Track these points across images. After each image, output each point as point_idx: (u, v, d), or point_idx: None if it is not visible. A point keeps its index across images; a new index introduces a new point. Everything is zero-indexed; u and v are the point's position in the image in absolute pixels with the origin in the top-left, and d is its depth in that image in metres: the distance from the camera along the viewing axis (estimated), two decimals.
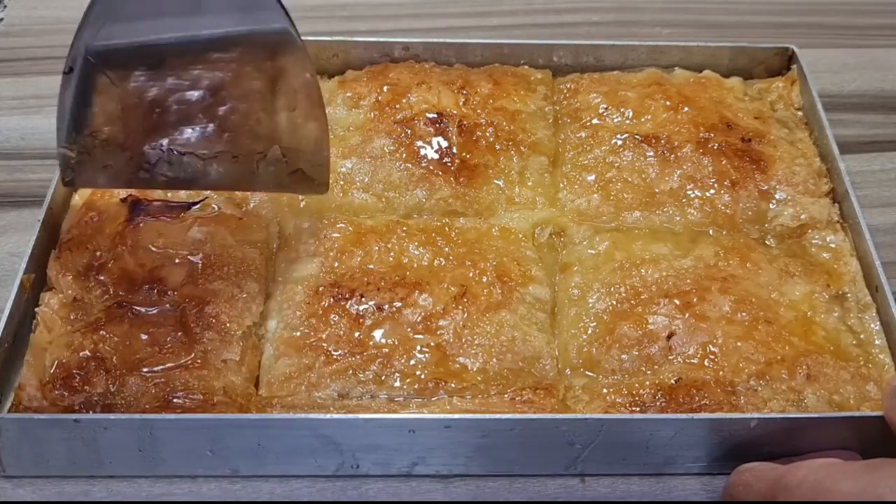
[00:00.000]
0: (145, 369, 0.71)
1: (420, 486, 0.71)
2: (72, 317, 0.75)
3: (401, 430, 0.68)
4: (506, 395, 0.72)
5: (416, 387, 0.72)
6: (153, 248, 0.78)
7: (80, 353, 0.71)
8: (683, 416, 0.68)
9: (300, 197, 0.84)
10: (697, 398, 0.71)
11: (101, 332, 0.72)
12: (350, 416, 0.68)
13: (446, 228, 0.82)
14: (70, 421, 0.67)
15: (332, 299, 0.76)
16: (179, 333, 0.73)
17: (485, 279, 0.78)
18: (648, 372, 0.73)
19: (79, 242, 0.79)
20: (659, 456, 0.70)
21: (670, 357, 0.73)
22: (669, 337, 0.74)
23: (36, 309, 0.75)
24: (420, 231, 0.82)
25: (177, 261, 0.78)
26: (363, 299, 0.76)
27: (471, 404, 0.71)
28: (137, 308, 0.74)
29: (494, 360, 0.74)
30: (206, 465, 0.69)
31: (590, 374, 0.73)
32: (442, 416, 0.68)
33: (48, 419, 0.67)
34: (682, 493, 0.71)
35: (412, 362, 0.73)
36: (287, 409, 0.71)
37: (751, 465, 0.67)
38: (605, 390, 0.72)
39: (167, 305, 0.75)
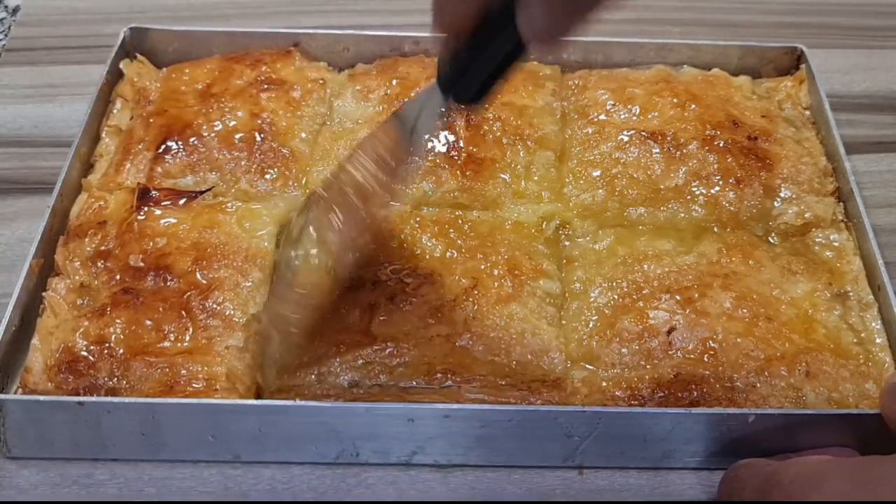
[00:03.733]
0: (149, 355, 0.72)
1: (419, 475, 0.71)
2: (78, 302, 0.76)
3: (400, 419, 0.68)
4: (513, 387, 0.72)
5: (425, 377, 0.72)
6: (160, 236, 0.79)
7: (86, 338, 0.72)
8: (681, 410, 0.69)
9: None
10: (696, 393, 0.71)
11: (107, 318, 0.73)
12: (350, 404, 0.69)
13: (459, 221, 0.82)
14: (74, 403, 0.67)
15: (343, 289, 0.76)
16: (184, 320, 0.74)
17: (496, 272, 0.78)
18: (648, 366, 0.73)
19: (87, 229, 0.80)
20: (657, 450, 0.70)
21: (670, 352, 0.73)
22: (670, 332, 0.74)
23: (43, 294, 0.76)
24: (433, 223, 0.82)
25: (183, 248, 0.78)
26: (375, 289, 0.77)
27: (479, 395, 0.72)
28: (143, 294, 0.75)
29: (503, 352, 0.74)
30: (207, 450, 0.70)
31: (590, 367, 0.74)
32: (441, 405, 0.69)
33: (52, 401, 0.68)
34: (680, 488, 0.71)
35: (422, 353, 0.73)
36: (290, 395, 0.71)
37: (746, 461, 0.67)
38: (604, 383, 0.72)
39: (172, 292, 0.75)
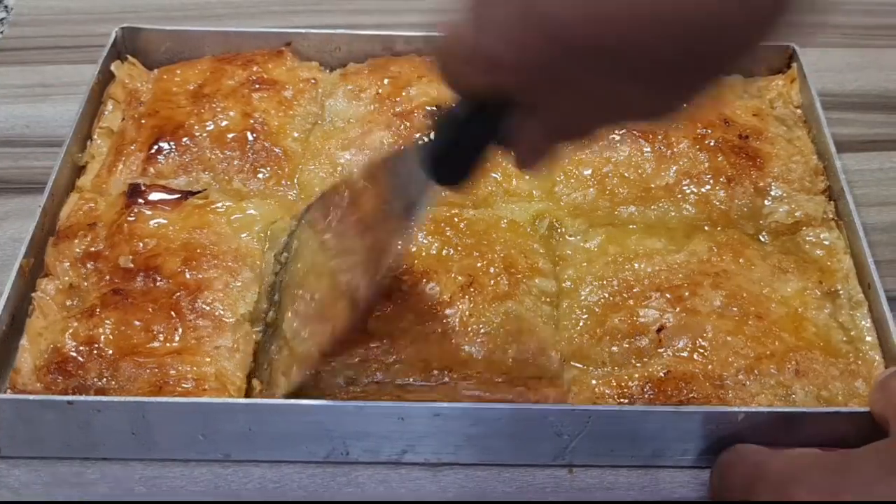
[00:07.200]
0: (138, 355, 0.72)
1: (409, 474, 0.71)
2: (68, 303, 0.76)
3: (391, 417, 0.68)
4: (510, 384, 0.72)
5: (421, 374, 0.72)
6: (150, 237, 0.79)
7: (75, 339, 0.72)
8: (671, 408, 0.69)
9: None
10: (686, 391, 0.71)
11: (96, 319, 0.73)
12: (340, 402, 0.69)
13: (455, 219, 0.82)
14: (64, 403, 0.67)
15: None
16: (173, 320, 0.74)
17: (492, 270, 0.78)
18: (638, 364, 0.73)
19: (77, 230, 0.80)
20: (647, 448, 0.70)
21: (660, 350, 0.73)
22: (660, 330, 0.74)
23: (32, 294, 0.76)
24: (429, 221, 0.82)
25: (173, 249, 0.78)
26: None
27: (475, 392, 0.72)
28: (132, 295, 0.75)
29: (499, 350, 0.74)
30: (198, 449, 0.70)
31: (579, 365, 0.74)
32: (431, 404, 0.69)
33: (42, 401, 0.68)
34: (670, 486, 0.71)
35: (418, 350, 0.73)
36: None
37: (737, 446, 0.67)
38: (593, 382, 0.72)
39: (162, 293, 0.75)
